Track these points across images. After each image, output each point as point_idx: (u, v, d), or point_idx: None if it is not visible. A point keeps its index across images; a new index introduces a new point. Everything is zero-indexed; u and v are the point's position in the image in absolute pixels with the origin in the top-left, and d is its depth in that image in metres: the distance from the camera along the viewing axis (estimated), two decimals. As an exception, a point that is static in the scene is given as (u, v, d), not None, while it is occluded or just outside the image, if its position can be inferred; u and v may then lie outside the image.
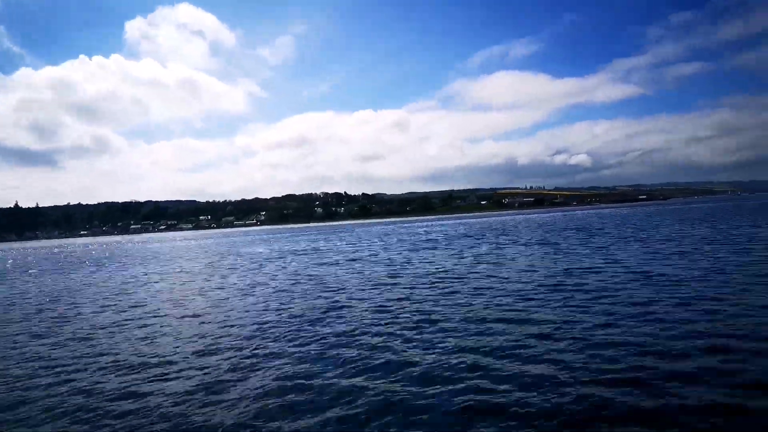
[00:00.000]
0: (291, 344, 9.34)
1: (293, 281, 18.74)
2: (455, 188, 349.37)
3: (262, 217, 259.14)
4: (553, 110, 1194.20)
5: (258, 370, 7.93)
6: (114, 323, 12.49)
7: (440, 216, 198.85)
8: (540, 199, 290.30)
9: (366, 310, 12.07)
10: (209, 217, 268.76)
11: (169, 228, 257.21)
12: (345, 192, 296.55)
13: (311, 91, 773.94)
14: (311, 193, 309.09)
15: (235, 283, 19.33)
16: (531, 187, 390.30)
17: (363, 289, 15.49)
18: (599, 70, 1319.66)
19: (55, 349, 10.19)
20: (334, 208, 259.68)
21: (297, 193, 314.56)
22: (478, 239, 37.69)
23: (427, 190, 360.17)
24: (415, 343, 8.88)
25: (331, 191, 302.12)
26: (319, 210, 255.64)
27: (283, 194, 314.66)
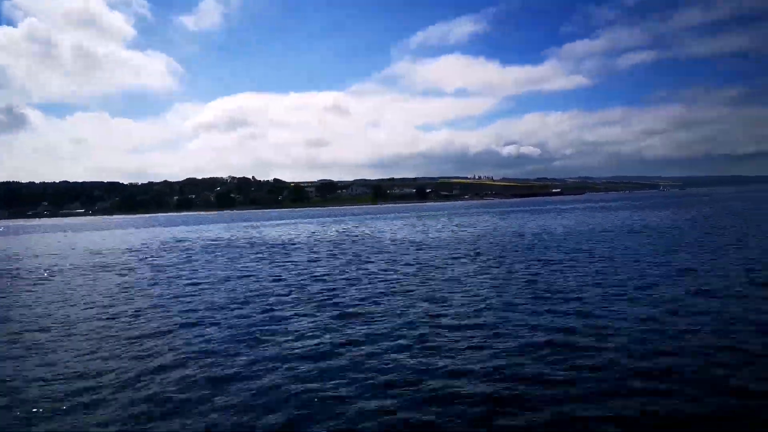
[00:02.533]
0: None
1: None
2: (403, 176, 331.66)
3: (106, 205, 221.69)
4: (504, 98, 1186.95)
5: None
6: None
7: (303, 210, 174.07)
8: (423, 192, 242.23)
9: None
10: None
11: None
12: (253, 177, 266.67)
13: (243, 68, 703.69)
14: (220, 178, 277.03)
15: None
16: (479, 177, 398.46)
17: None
18: (550, 56, 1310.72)
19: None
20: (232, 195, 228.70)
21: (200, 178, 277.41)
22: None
23: (378, 177, 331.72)
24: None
25: (284, 178, 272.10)
26: (175, 199, 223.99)
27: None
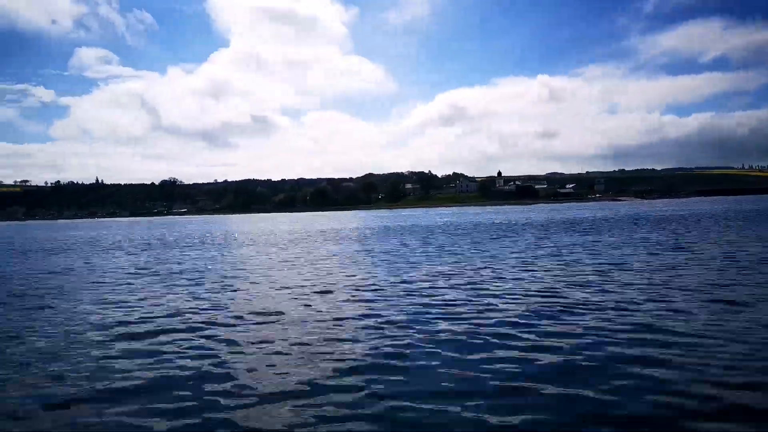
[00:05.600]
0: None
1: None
2: (643, 167, 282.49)
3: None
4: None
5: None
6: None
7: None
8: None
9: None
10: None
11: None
12: (429, 171, 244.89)
13: (454, 59, 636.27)
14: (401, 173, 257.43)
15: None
16: (750, 167, 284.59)
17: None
18: None
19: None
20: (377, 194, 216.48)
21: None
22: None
23: (615, 169, 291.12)
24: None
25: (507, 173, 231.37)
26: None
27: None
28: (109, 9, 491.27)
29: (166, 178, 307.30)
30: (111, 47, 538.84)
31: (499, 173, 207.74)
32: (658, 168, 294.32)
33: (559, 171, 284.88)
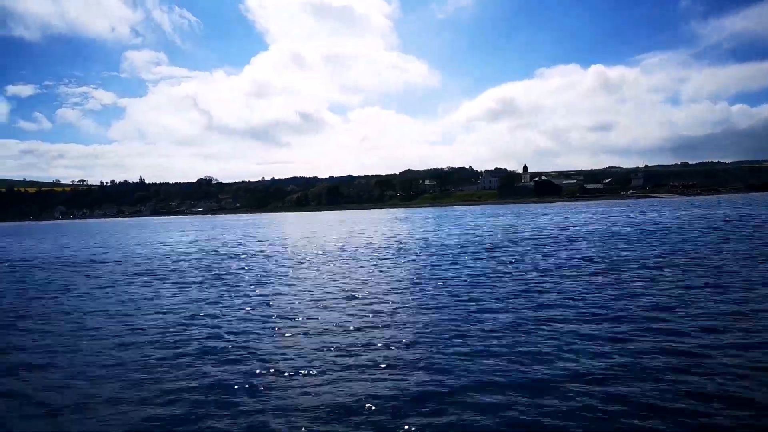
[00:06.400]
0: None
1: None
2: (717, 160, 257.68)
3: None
4: None
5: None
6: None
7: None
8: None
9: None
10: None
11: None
12: (448, 167, 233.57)
13: (500, 52, 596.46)
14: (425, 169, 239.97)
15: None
16: None
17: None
18: None
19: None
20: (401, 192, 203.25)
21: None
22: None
23: (676, 162, 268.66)
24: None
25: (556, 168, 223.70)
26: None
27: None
28: (160, 13, 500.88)
29: (205, 176, 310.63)
30: (162, 49, 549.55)
31: (525, 168, 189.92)
32: (726, 161, 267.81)
33: (617, 165, 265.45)
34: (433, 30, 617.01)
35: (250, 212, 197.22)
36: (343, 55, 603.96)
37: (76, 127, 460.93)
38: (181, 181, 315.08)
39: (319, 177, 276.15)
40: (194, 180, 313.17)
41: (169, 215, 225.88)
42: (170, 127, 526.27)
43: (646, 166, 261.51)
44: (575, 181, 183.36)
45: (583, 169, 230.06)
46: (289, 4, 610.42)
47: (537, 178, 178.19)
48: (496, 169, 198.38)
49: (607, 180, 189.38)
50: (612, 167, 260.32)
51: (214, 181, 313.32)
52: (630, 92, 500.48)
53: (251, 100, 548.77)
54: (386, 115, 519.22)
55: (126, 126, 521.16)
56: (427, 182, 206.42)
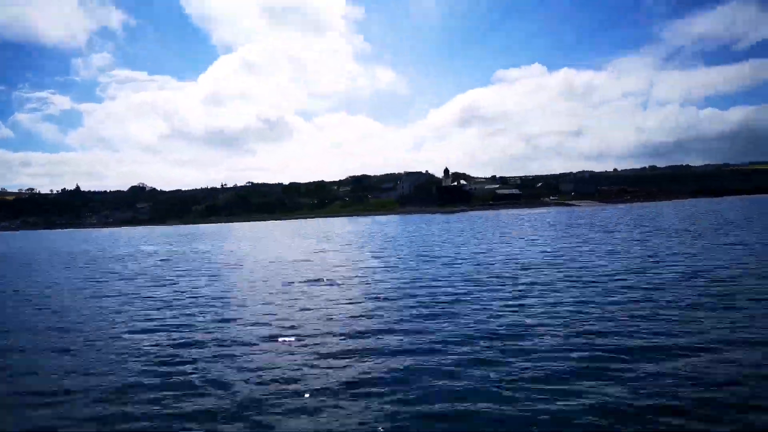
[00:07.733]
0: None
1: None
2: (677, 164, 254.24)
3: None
4: None
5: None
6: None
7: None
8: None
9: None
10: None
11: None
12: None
13: (466, 58, 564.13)
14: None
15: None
16: None
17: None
18: None
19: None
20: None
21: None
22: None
23: (645, 165, 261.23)
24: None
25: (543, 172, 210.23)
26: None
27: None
28: (119, 17, 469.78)
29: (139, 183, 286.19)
30: (121, 54, 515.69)
31: (446, 171, 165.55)
32: (695, 165, 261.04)
33: (589, 169, 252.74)
34: (398, 36, 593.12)
35: (157, 224, 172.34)
36: (310, 61, 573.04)
37: (31, 133, 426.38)
38: (122, 189, 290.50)
39: (284, 183, 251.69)
40: (126, 189, 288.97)
41: (80, 227, 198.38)
42: (133, 133, 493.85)
43: (615, 170, 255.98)
44: (497, 186, 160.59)
45: (555, 173, 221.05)
46: (249, 10, 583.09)
47: (456, 183, 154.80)
48: (415, 173, 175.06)
49: (539, 185, 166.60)
50: (570, 172, 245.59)
51: (147, 188, 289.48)
52: (599, 96, 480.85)
53: (211, 106, 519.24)
54: (354, 121, 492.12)
55: (84, 133, 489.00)
56: (341, 189, 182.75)
